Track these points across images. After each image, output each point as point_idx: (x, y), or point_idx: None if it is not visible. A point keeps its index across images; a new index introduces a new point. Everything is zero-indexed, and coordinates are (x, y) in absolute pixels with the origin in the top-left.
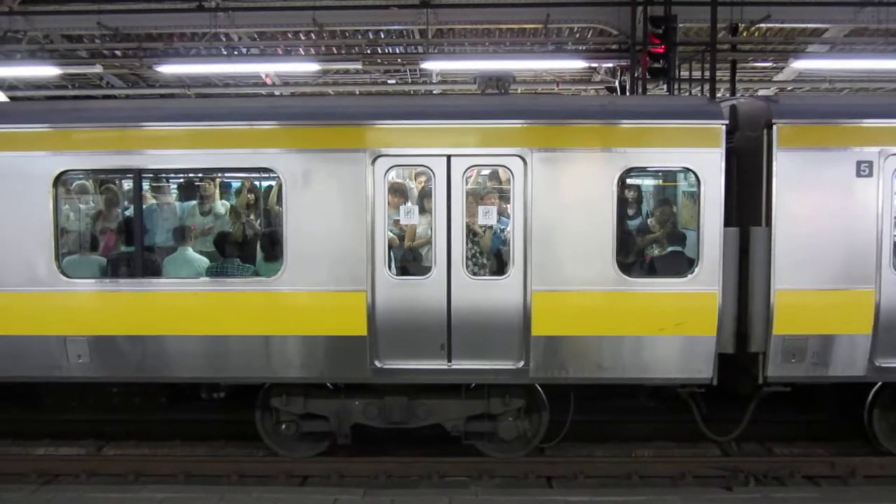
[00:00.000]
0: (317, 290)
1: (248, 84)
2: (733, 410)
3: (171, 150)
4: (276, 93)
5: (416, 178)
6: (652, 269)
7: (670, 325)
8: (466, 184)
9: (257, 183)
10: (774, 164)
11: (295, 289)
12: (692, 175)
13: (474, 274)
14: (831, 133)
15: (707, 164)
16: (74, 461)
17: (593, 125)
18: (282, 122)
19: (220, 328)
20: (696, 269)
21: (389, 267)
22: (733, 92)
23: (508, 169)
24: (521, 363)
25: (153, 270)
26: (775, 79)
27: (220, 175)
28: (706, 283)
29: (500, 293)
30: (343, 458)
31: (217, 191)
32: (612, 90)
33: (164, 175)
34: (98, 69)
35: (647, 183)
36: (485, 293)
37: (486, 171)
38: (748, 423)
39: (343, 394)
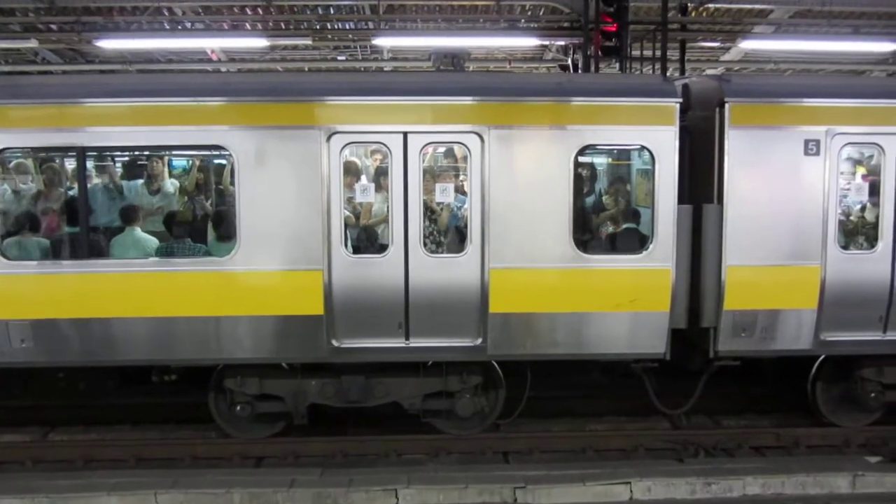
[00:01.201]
0: (272, 269)
1: (192, 60)
2: (681, 385)
3: (118, 126)
4: (223, 69)
5: (372, 156)
6: (608, 246)
7: (625, 302)
8: (423, 161)
9: (208, 161)
10: (726, 142)
11: (249, 268)
12: (647, 153)
13: (432, 252)
14: (781, 112)
15: (662, 141)
16: (19, 448)
17: (550, 103)
18: (233, 98)
19: (171, 309)
20: (651, 246)
21: (346, 245)
22: (683, 71)
23: (465, 146)
24: (479, 340)
25: (99, 251)
26: (722, 59)
27: (169, 153)
28: (660, 259)
29: (457, 271)
30: (299, 439)
31: (166, 169)
32: (564, 68)
33: (109, 153)
34: (33, 44)
35: (604, 161)
36: (442, 271)
37: (443, 149)
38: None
39: (299, 374)
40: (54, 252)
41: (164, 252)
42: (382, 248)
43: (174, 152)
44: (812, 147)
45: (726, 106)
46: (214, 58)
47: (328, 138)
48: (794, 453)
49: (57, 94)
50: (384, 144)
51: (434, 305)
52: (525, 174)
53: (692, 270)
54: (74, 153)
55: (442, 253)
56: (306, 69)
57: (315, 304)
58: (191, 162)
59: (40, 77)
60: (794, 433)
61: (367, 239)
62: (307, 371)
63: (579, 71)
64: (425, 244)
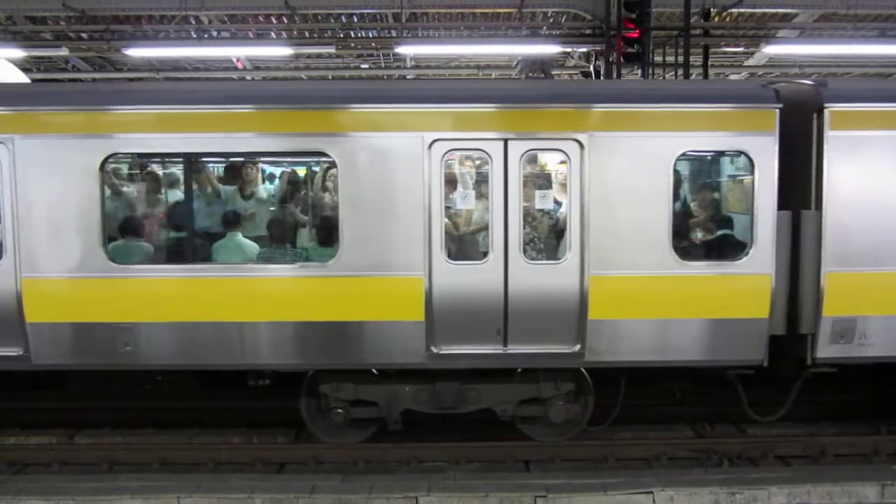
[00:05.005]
0: (373, 275)
1: (218, 68)
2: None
3: (225, 133)
4: (248, 77)
5: (472, 163)
6: (707, 252)
7: (724, 308)
8: (523, 168)
9: (312, 167)
10: (825, 147)
11: (350, 274)
12: (746, 159)
13: (531, 258)
14: (880, 116)
15: (761, 147)
16: (46, 450)
17: (649, 109)
18: (336, 105)
19: (270, 314)
20: (751, 252)
21: (446, 252)
22: (706, 77)
23: (565, 153)
24: (577, 347)
25: (202, 256)
26: (746, 63)
27: (273, 159)
28: (760, 266)
29: (556, 277)
30: (320, 445)
31: (269, 175)
32: (586, 75)
33: (216, 159)
34: (64, 52)
35: (703, 167)
36: (541, 278)
37: (543, 155)
38: (717, 404)
39: (394, 379)
40: (160, 256)
41: (266, 257)
42: (482, 255)
43: (279, 159)
44: None
45: (825, 111)
46: (240, 66)
47: (430, 145)
48: (820, 463)
49: (166, 100)
50: (485, 151)
51: (532, 312)
52: (624, 180)
53: (789, 276)
54: (181, 159)
55: (541, 259)
56: (330, 77)
57: (416, 310)
58: (293, 168)
59: (150, 83)
60: (821, 442)
61: (467, 245)
62: (401, 376)
63: (601, 78)
64: (525, 251)
